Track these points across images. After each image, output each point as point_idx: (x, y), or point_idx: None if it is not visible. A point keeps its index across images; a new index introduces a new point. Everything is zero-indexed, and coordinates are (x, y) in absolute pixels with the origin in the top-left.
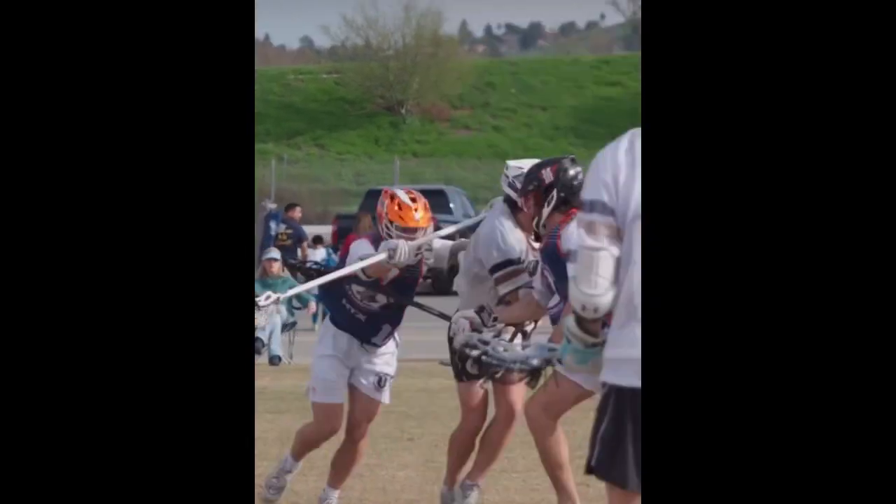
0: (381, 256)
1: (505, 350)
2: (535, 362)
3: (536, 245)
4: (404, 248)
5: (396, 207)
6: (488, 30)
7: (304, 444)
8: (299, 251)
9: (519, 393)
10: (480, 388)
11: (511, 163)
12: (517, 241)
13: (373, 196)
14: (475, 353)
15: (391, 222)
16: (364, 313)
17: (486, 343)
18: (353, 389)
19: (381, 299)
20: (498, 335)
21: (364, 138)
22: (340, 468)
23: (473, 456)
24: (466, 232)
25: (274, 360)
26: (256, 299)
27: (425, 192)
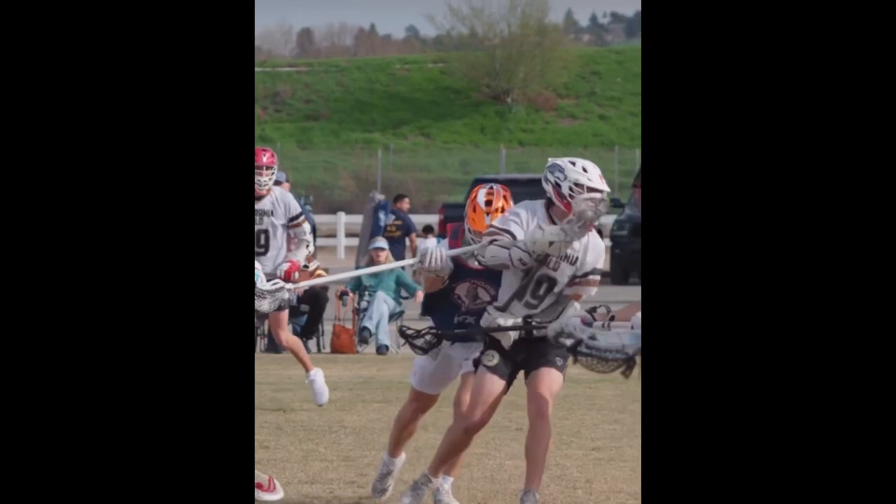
0: (412, 260)
1: (598, 339)
2: (630, 351)
3: None
4: (436, 254)
5: (472, 209)
6: (594, 18)
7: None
8: (408, 241)
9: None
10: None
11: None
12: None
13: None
14: (569, 342)
15: (466, 223)
16: (472, 314)
17: (583, 331)
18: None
19: (485, 296)
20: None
21: (470, 127)
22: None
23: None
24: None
25: (381, 350)
26: (263, 285)
27: (531, 182)
